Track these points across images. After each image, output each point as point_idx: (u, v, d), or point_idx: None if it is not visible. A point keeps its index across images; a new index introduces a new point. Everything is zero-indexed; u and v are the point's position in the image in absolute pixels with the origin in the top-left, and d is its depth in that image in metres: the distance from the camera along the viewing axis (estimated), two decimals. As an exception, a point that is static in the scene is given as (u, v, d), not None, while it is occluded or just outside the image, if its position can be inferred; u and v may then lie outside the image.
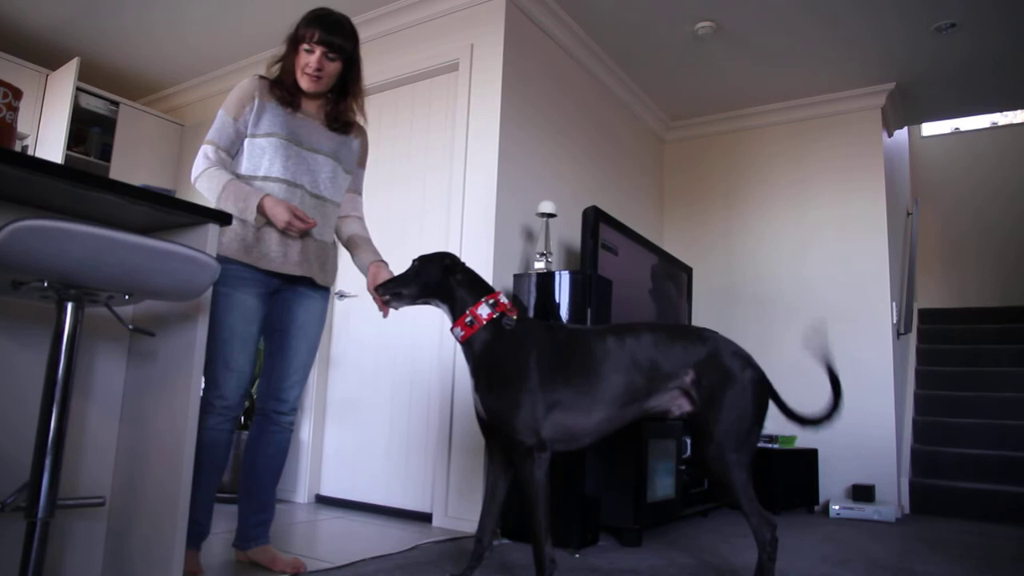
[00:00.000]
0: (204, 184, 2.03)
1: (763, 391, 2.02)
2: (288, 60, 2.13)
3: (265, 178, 2.06)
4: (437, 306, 2.09)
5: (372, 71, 3.71)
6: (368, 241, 2.31)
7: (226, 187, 2.00)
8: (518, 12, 3.41)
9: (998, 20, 3.55)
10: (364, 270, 2.23)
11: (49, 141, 4.01)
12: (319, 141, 2.16)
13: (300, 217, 1.99)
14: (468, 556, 2.08)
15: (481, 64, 3.33)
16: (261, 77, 2.15)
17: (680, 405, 2.03)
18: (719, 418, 1.94)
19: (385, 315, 2.13)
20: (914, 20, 3.58)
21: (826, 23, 3.66)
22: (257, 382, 2.26)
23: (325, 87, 2.15)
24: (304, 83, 2.11)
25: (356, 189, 2.35)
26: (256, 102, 2.08)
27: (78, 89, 4.07)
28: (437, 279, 2.03)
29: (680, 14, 3.62)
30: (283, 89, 2.12)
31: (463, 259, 3.16)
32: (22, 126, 3.89)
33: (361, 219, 2.35)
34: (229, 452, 2.18)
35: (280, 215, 1.97)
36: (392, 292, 2.04)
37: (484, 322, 1.96)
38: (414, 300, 2.07)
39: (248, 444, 2.20)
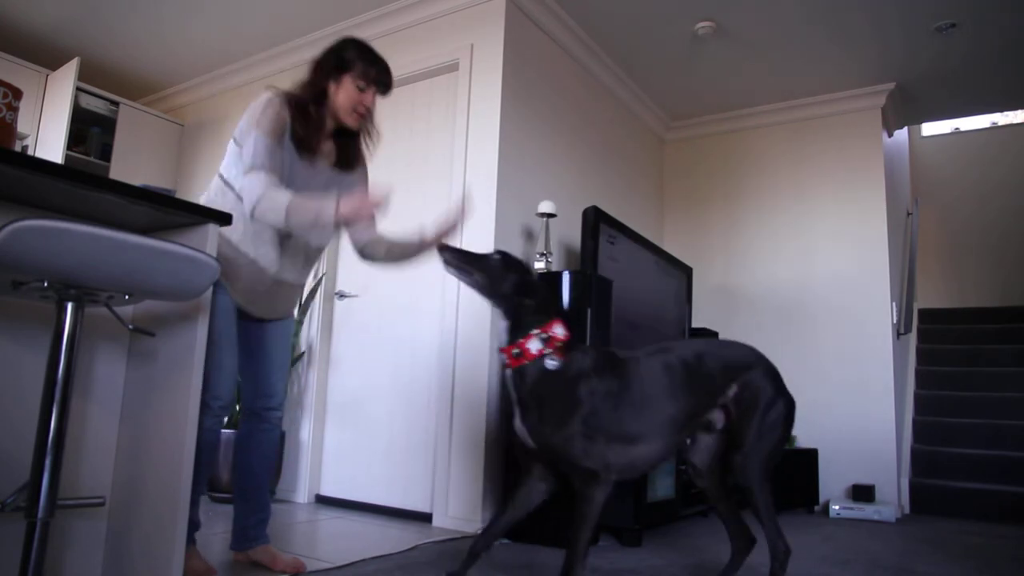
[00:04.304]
0: (266, 205, 1.83)
1: (791, 415, 2.07)
2: (324, 89, 1.99)
3: (252, 217, 1.94)
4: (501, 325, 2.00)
5: (372, 71, 3.73)
6: (394, 241, 2.21)
7: (291, 203, 1.83)
8: (518, 12, 3.41)
9: (998, 20, 3.55)
10: (417, 243, 2.16)
11: (49, 141, 4.01)
12: (312, 183, 2.03)
13: (374, 202, 1.86)
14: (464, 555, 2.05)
15: (481, 64, 3.33)
16: (277, 94, 1.99)
17: (720, 419, 2.05)
18: (752, 432, 1.96)
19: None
20: (914, 20, 3.58)
21: (826, 23, 3.66)
22: (240, 382, 2.27)
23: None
24: (351, 120, 2.03)
25: None
26: (285, 133, 1.96)
27: (78, 89, 4.07)
28: (504, 292, 1.94)
29: (680, 14, 3.61)
30: (306, 127, 1.97)
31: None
32: (22, 126, 3.89)
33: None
34: (219, 450, 2.18)
35: (357, 211, 1.85)
36: (456, 262, 1.97)
37: (532, 358, 1.88)
38: (472, 286, 2.00)
39: (238, 445, 2.19)
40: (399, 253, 2.20)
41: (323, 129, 2.03)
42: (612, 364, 1.95)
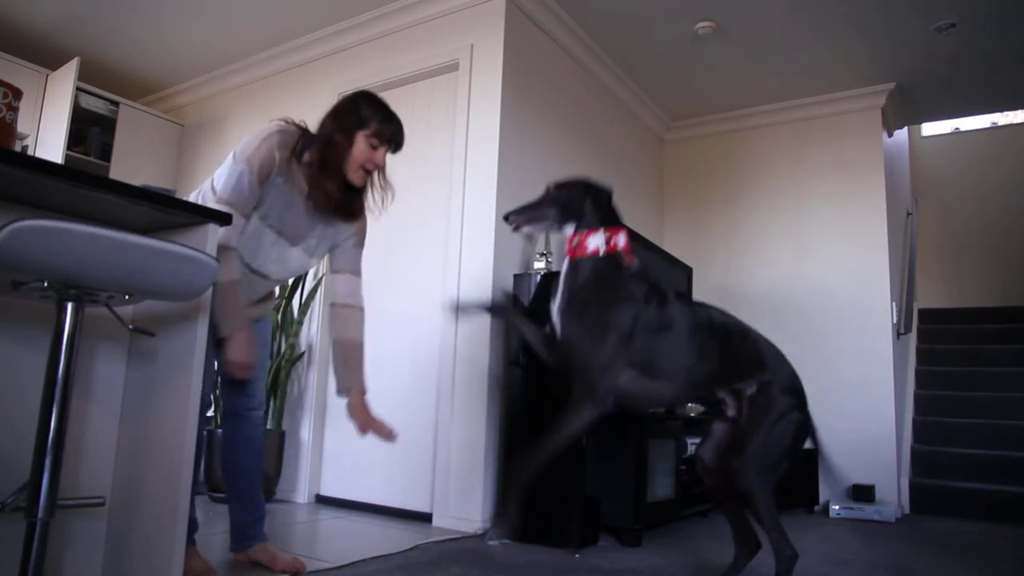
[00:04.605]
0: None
1: (802, 434, 2.05)
2: (335, 141, 1.95)
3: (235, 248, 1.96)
4: (568, 232, 2.04)
5: (372, 71, 3.73)
6: (359, 349, 2.14)
7: (224, 287, 1.86)
8: (518, 12, 3.41)
9: (998, 20, 3.55)
10: (343, 389, 2.08)
11: (49, 141, 4.01)
12: (306, 234, 2.04)
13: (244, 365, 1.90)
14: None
15: (481, 64, 3.33)
16: (283, 131, 1.96)
17: (732, 405, 2.06)
18: (755, 438, 1.96)
19: (392, 440, 2.05)
20: (914, 20, 3.58)
21: (826, 23, 3.66)
22: (218, 382, 2.27)
23: None
24: (357, 178, 1.99)
25: (354, 270, 2.17)
26: (274, 171, 1.94)
27: (78, 89, 4.07)
28: (574, 202, 2.00)
29: (680, 14, 3.61)
30: (318, 181, 1.94)
31: (463, 259, 3.18)
32: (22, 126, 3.89)
33: (361, 311, 2.16)
34: (203, 451, 2.19)
35: (235, 363, 1.89)
36: (529, 216, 2.01)
37: (589, 254, 1.94)
38: (551, 225, 2.04)
39: (225, 446, 2.19)
40: (338, 354, 2.13)
41: (328, 180, 1.96)
42: (661, 298, 1.98)
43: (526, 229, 2.04)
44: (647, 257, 3.64)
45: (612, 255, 1.95)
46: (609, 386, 1.85)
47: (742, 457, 1.95)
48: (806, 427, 2.06)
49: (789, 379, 2.06)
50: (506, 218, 2.04)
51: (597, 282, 1.91)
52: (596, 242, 1.93)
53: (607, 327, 1.86)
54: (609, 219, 2.02)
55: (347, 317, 2.13)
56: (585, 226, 1.98)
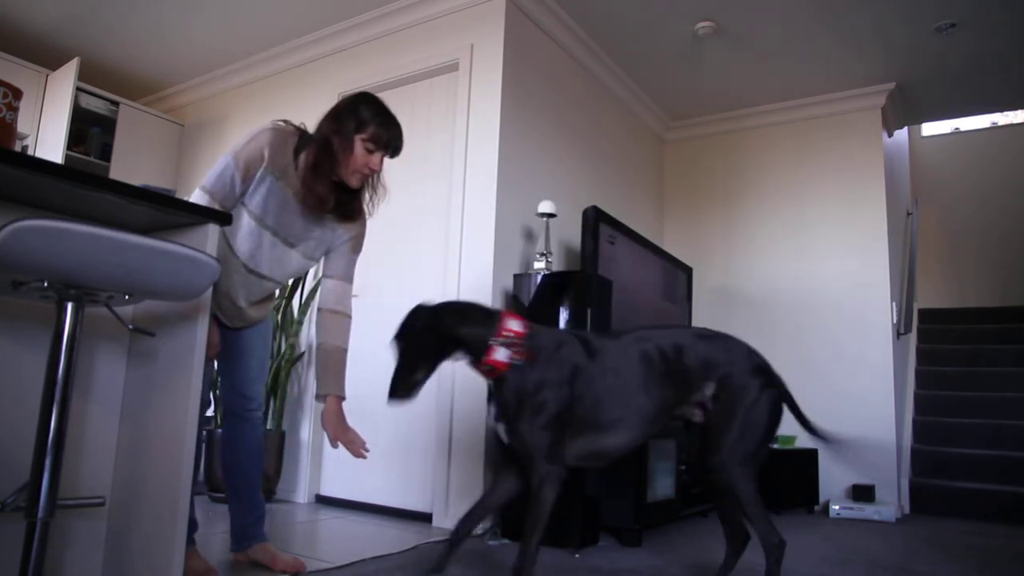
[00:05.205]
0: None
1: (778, 410, 2.01)
2: (332, 142, 1.93)
3: (230, 247, 1.98)
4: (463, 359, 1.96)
5: (372, 71, 3.73)
6: (342, 355, 2.12)
7: None
8: (518, 12, 3.41)
9: (998, 20, 3.55)
10: (321, 395, 2.06)
11: (49, 141, 4.01)
12: (304, 236, 2.03)
13: None
14: (442, 555, 2.02)
15: (481, 64, 3.33)
16: (277, 130, 1.96)
17: (697, 414, 2.02)
18: (729, 431, 1.92)
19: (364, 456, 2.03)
20: (914, 20, 3.58)
21: (826, 23, 3.66)
22: (218, 383, 2.27)
23: None
24: (353, 181, 1.96)
25: (346, 277, 2.15)
26: (262, 169, 1.93)
27: (78, 89, 4.07)
28: (434, 343, 1.90)
29: (680, 14, 3.61)
30: (311, 183, 1.93)
31: (463, 259, 3.18)
32: (22, 126, 3.89)
33: (348, 318, 2.15)
34: (202, 451, 2.20)
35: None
36: (407, 389, 1.91)
37: (505, 367, 1.87)
38: (430, 375, 1.94)
39: (224, 446, 2.20)
40: (320, 360, 2.11)
41: (320, 182, 1.94)
42: (586, 350, 1.94)
43: (414, 395, 1.95)
44: (647, 258, 3.65)
45: (517, 348, 1.88)
46: (558, 462, 1.87)
47: (719, 455, 1.92)
48: (780, 402, 2.01)
49: (748, 362, 2.00)
50: (393, 397, 1.93)
51: (518, 378, 1.87)
52: (503, 354, 1.86)
53: (541, 410, 1.85)
54: (478, 321, 1.90)
55: (334, 323, 2.11)
56: (474, 349, 1.88)
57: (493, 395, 1.95)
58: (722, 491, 2.00)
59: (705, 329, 2.12)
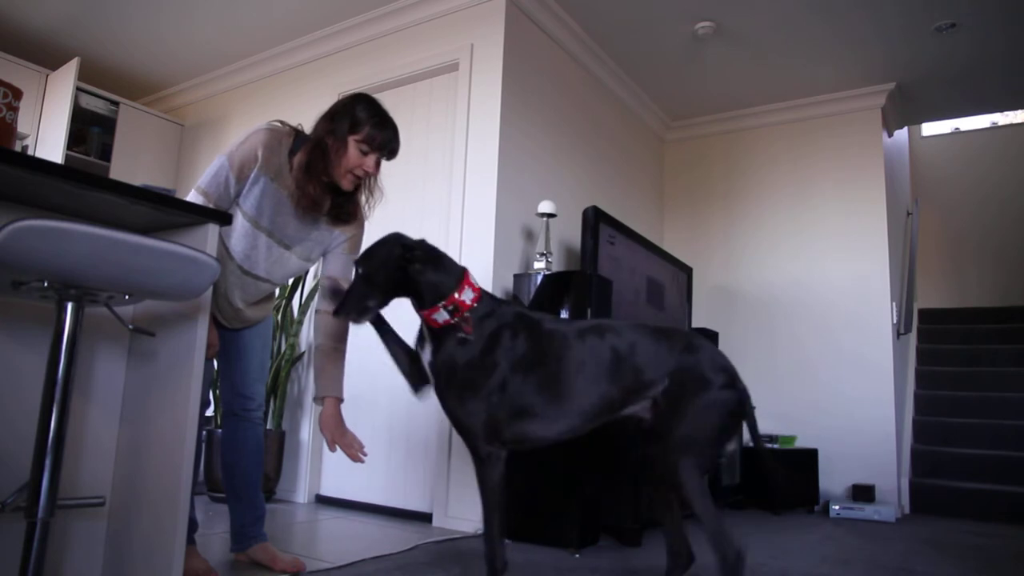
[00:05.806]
0: None
1: (736, 414, 1.87)
2: (326, 143, 1.91)
3: (225, 248, 1.97)
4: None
5: (372, 71, 3.73)
6: (340, 357, 2.10)
7: None
8: (518, 12, 3.41)
9: (998, 20, 3.55)
10: (319, 397, 2.04)
11: (49, 141, 4.01)
12: (301, 237, 2.02)
13: None
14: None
15: (481, 64, 3.33)
16: (272, 130, 1.95)
17: (647, 413, 1.89)
18: (678, 424, 1.80)
19: (361, 461, 2.01)
20: (914, 20, 3.58)
21: (826, 23, 3.66)
22: (218, 383, 2.27)
23: None
24: (346, 183, 1.94)
25: (344, 277, 2.12)
26: (256, 170, 1.92)
27: (78, 89, 4.07)
28: (396, 277, 1.81)
29: (680, 14, 3.61)
30: (303, 183, 1.91)
31: (463, 259, 3.18)
32: (22, 126, 3.89)
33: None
34: (202, 451, 2.20)
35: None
36: (357, 311, 1.82)
37: (439, 327, 1.80)
38: (383, 306, 1.86)
39: (225, 446, 2.20)
40: (318, 361, 2.09)
41: (312, 183, 1.92)
42: (531, 333, 1.85)
43: (363, 320, 1.87)
44: (647, 257, 3.65)
45: (461, 319, 1.80)
46: (497, 442, 1.82)
47: (664, 445, 1.80)
48: (739, 406, 1.86)
49: (710, 362, 1.87)
50: (338, 313, 1.84)
51: (455, 348, 1.81)
52: (443, 316, 1.79)
53: (474, 391, 1.79)
54: (445, 276, 1.82)
55: (331, 325, 2.08)
56: (423, 298, 1.80)
57: (428, 342, 1.87)
58: (670, 488, 1.90)
59: (672, 327, 2.01)
